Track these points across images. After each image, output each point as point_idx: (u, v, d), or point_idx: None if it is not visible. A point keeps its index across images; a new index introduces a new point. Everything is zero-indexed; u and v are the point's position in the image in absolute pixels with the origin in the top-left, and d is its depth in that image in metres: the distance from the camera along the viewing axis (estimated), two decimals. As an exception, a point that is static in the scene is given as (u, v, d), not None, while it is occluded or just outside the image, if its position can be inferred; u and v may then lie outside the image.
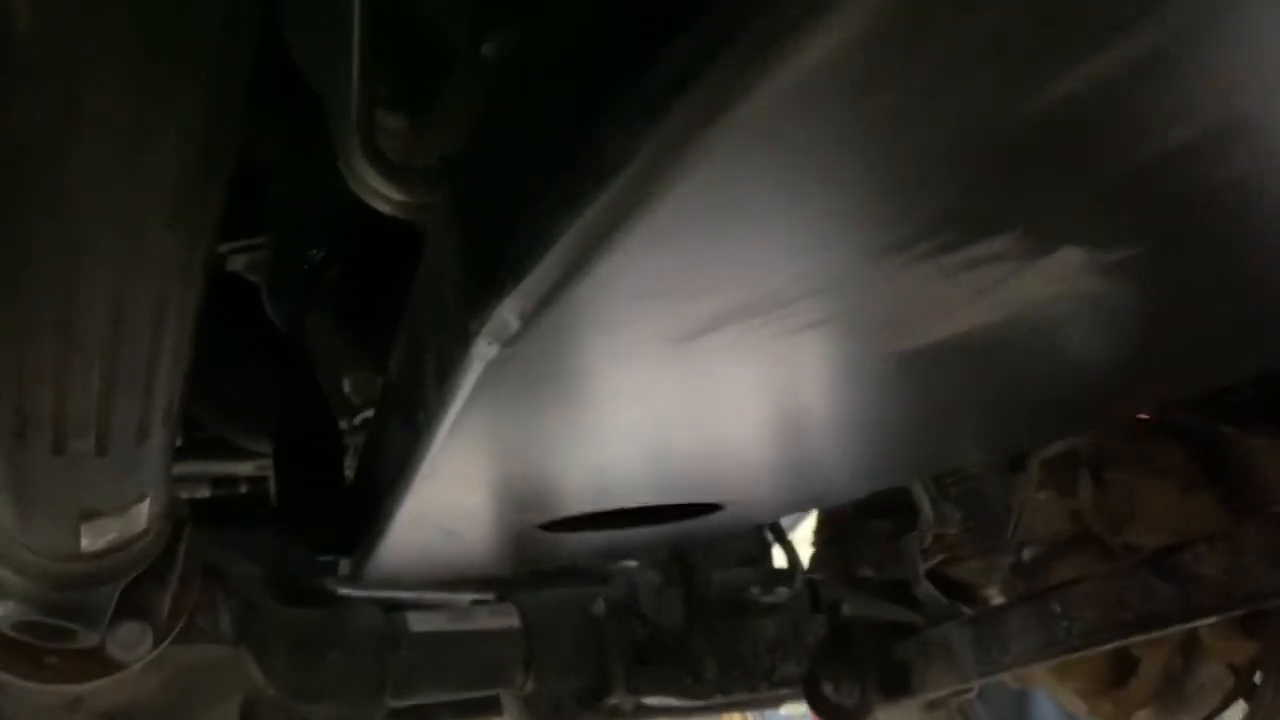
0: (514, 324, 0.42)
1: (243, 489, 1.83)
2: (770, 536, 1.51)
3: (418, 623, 1.35)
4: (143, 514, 0.73)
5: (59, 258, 0.48)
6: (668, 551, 1.45)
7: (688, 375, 0.58)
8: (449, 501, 0.75)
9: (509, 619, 1.40)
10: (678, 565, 1.43)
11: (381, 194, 0.61)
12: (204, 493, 1.77)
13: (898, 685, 1.44)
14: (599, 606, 1.43)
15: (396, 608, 1.37)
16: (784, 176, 0.35)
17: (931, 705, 1.53)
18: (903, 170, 0.36)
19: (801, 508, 1.33)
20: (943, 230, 0.40)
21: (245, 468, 1.73)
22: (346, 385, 1.08)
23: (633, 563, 1.72)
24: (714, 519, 0.97)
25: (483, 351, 0.44)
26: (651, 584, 1.44)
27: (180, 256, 0.51)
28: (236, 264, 1.16)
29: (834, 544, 1.61)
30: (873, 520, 1.61)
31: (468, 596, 1.63)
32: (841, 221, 0.39)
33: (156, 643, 0.91)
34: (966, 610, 1.44)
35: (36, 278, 0.49)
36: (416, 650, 1.32)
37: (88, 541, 0.71)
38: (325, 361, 1.02)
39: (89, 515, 0.68)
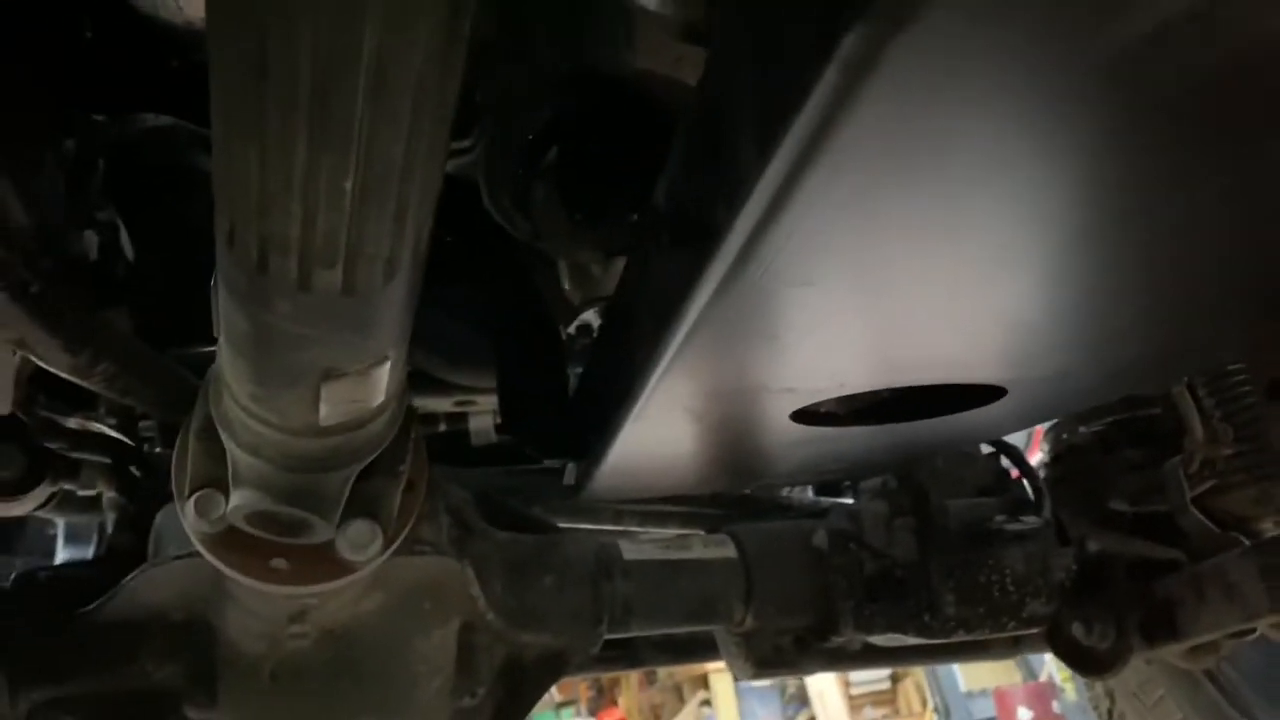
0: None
1: (441, 428, 1.80)
2: (1008, 463, 1.37)
3: (631, 551, 1.28)
4: (382, 380, 0.67)
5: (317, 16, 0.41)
6: (896, 480, 1.33)
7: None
8: (711, 361, 0.67)
9: (725, 549, 1.31)
10: (908, 493, 1.32)
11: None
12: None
13: (1162, 627, 1.29)
14: (821, 538, 1.32)
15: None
16: None
17: (1196, 651, 1.37)
18: None
19: (1085, 401, 1.19)
20: None
21: (444, 404, 1.70)
22: (566, 281, 1.01)
23: (848, 500, 1.62)
24: (992, 412, 0.85)
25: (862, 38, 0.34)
26: (879, 514, 1.32)
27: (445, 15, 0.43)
28: (448, 167, 1.11)
29: (1077, 478, 1.47)
30: (1123, 451, 1.46)
31: (673, 531, 1.56)
32: None
33: (385, 546, 0.86)
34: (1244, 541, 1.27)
35: (289, 50, 0.43)
36: (632, 579, 1.24)
37: (326, 410, 0.66)
38: (550, 246, 0.95)
39: (330, 374, 0.63)
